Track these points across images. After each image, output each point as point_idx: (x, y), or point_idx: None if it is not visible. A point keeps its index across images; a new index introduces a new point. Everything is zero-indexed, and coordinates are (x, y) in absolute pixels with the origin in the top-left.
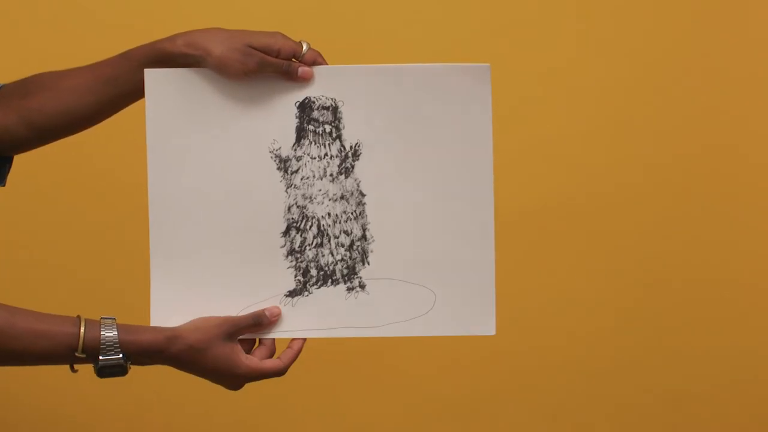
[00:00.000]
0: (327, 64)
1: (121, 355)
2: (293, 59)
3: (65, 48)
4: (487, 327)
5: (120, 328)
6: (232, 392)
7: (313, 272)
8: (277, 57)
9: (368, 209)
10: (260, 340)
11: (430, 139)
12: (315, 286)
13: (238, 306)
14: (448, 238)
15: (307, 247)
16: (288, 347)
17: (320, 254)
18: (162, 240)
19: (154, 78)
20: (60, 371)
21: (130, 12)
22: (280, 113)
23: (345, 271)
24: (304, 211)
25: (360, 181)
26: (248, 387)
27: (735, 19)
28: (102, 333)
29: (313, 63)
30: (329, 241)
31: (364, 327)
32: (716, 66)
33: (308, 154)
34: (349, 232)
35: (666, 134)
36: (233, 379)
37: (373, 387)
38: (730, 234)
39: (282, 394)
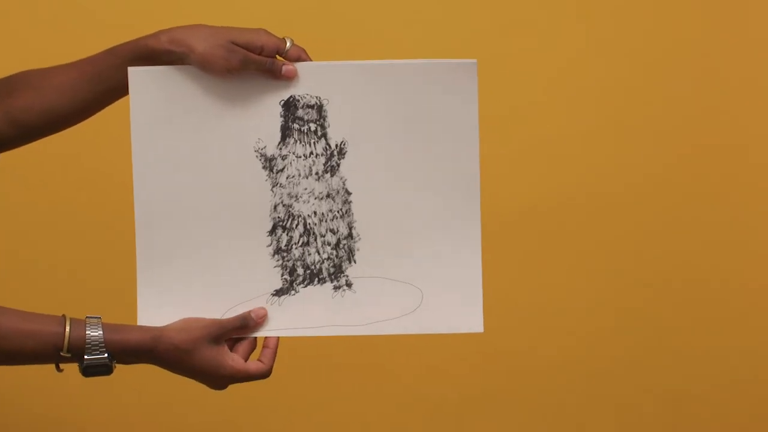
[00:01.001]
0: (311, 60)
1: (106, 355)
2: (277, 56)
3: (52, 45)
4: (475, 324)
5: (105, 327)
6: (220, 393)
7: (300, 271)
8: (260, 54)
9: (354, 207)
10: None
11: (417, 135)
12: (302, 285)
13: (225, 305)
14: (435, 235)
15: (294, 246)
16: (264, 346)
17: (307, 253)
18: (148, 238)
19: (138, 76)
20: (46, 370)
21: (117, 9)
22: (264, 111)
23: (332, 270)
24: (290, 209)
25: (346, 180)
26: (237, 388)
27: (735, 19)
28: (87, 332)
29: (297, 59)
30: (315, 239)
31: (351, 325)
32: (716, 66)
33: (293, 153)
34: (336, 230)
35: (666, 135)
36: (218, 380)
37: (363, 387)
38: (730, 234)
39: (272, 394)
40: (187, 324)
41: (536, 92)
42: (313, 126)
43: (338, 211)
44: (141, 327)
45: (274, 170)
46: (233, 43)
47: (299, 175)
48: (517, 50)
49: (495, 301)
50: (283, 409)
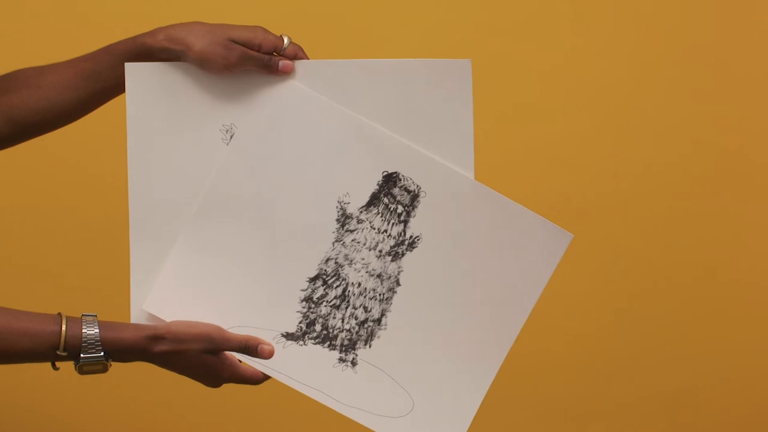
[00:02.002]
0: (308, 58)
1: (102, 353)
2: (274, 53)
3: (49, 43)
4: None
5: (101, 325)
6: (219, 394)
7: (318, 327)
8: (258, 51)
9: (396, 299)
10: None
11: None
12: (312, 341)
13: (231, 319)
14: (453, 356)
15: (325, 303)
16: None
17: (333, 315)
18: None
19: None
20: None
21: (113, 7)
22: (363, 176)
23: (346, 342)
24: (340, 270)
25: (402, 271)
26: (236, 388)
27: (735, 18)
28: (83, 330)
29: (294, 57)
30: (347, 308)
31: (335, 399)
32: (715, 66)
33: (371, 222)
34: (369, 309)
35: (664, 134)
36: (212, 379)
37: None
38: (729, 233)
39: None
40: (185, 327)
41: (533, 92)
42: (400, 209)
43: (380, 294)
44: (137, 326)
45: (344, 228)
46: (231, 40)
47: (365, 244)
48: (514, 50)
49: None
50: (283, 410)
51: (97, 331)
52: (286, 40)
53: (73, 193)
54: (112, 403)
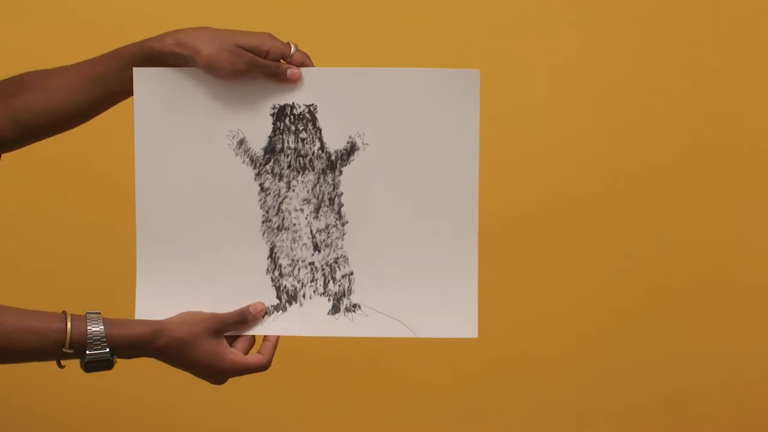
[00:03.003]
0: (314, 66)
1: (107, 350)
2: (281, 60)
3: (56, 46)
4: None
5: (106, 322)
6: (221, 392)
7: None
8: (266, 58)
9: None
10: None
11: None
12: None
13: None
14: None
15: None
16: (265, 339)
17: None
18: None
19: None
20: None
21: (120, 11)
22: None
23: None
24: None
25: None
26: (236, 389)
27: (735, 19)
28: (89, 328)
29: (301, 64)
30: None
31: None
32: (715, 66)
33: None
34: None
35: (664, 135)
36: (218, 374)
37: (362, 389)
38: (729, 233)
39: (271, 395)
40: (186, 317)
41: (533, 92)
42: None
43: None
44: (141, 321)
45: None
46: (239, 46)
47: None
48: (516, 50)
49: (494, 302)
50: (282, 411)
51: (102, 327)
52: (293, 47)
53: (79, 194)
54: (112, 403)
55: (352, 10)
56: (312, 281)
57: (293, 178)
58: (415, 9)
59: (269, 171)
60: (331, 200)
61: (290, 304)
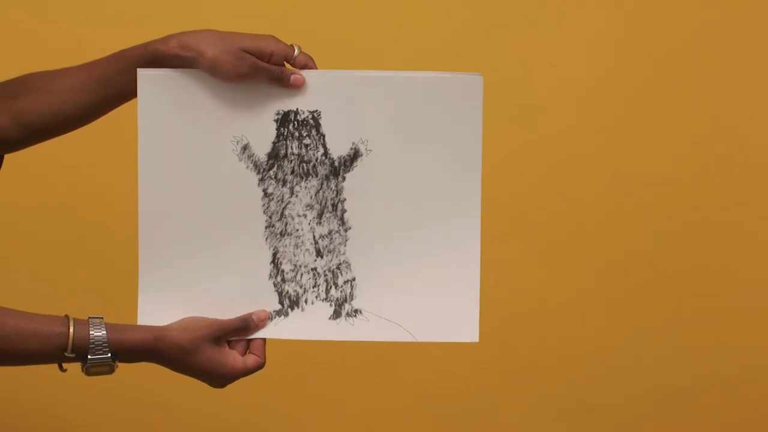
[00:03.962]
0: (317, 68)
1: (109, 354)
2: (285, 63)
3: (60, 47)
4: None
5: (108, 327)
6: (221, 395)
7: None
8: (269, 61)
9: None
10: None
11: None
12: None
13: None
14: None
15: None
16: (252, 340)
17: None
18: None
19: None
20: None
21: (125, 12)
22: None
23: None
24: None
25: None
26: (236, 389)
27: (736, 19)
28: (91, 332)
29: (304, 67)
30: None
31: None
32: (720, 68)
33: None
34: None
35: (668, 136)
36: (218, 379)
37: (368, 391)
38: (732, 235)
39: (271, 396)
40: (188, 323)
41: (533, 93)
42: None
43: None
44: (143, 326)
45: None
46: (242, 49)
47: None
48: (520, 51)
49: (495, 303)
50: (283, 412)
51: (104, 332)
52: (296, 50)
53: (82, 197)
54: (112, 403)
55: (355, 12)
56: (314, 287)
57: (296, 184)
58: (416, 9)
59: (273, 176)
60: (334, 206)
61: (292, 309)
